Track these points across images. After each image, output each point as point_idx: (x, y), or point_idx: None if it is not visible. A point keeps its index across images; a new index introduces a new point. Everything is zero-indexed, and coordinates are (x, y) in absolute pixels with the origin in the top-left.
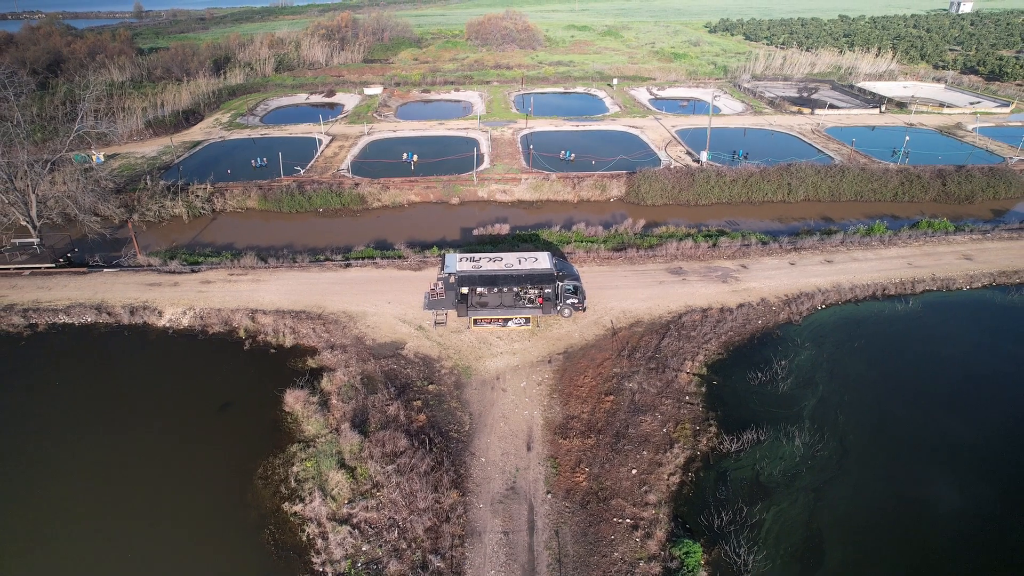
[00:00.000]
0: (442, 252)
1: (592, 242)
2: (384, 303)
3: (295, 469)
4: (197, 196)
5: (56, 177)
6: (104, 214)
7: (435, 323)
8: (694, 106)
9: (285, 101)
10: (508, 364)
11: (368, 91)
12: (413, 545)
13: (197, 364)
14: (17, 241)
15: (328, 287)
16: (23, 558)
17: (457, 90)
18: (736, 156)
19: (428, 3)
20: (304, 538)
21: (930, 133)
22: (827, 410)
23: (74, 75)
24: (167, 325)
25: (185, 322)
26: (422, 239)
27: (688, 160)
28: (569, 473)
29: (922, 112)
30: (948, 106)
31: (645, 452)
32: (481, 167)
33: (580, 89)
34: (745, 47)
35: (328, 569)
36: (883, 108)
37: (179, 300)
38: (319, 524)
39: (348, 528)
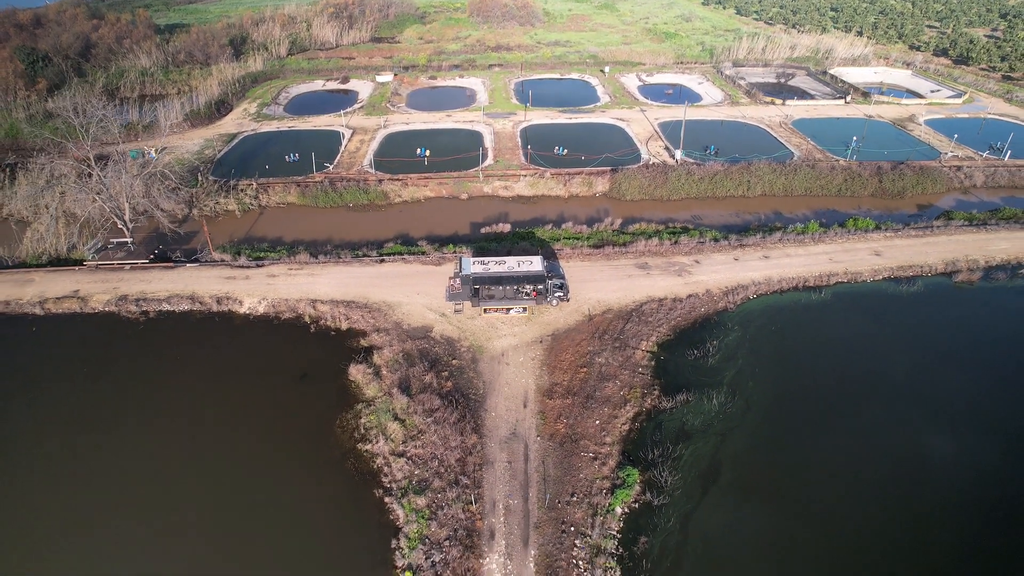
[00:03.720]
0: (458, 255)
1: (577, 239)
2: (414, 294)
3: (362, 421)
4: (245, 192)
5: (138, 184)
6: (172, 213)
7: (455, 311)
8: (679, 92)
9: (304, 88)
10: (510, 344)
11: (380, 79)
12: (448, 470)
13: (276, 344)
14: (115, 241)
15: (369, 280)
16: (183, 469)
17: (461, 76)
18: (707, 151)
19: None
20: (374, 467)
21: (885, 126)
22: (742, 379)
23: (104, 62)
24: (247, 312)
25: (261, 310)
26: (439, 233)
27: (666, 156)
28: (553, 423)
29: (882, 103)
30: (912, 94)
31: (606, 409)
32: (486, 163)
33: (575, 75)
34: (735, 23)
35: (393, 486)
36: (848, 99)
37: (253, 291)
38: (384, 457)
39: (404, 460)
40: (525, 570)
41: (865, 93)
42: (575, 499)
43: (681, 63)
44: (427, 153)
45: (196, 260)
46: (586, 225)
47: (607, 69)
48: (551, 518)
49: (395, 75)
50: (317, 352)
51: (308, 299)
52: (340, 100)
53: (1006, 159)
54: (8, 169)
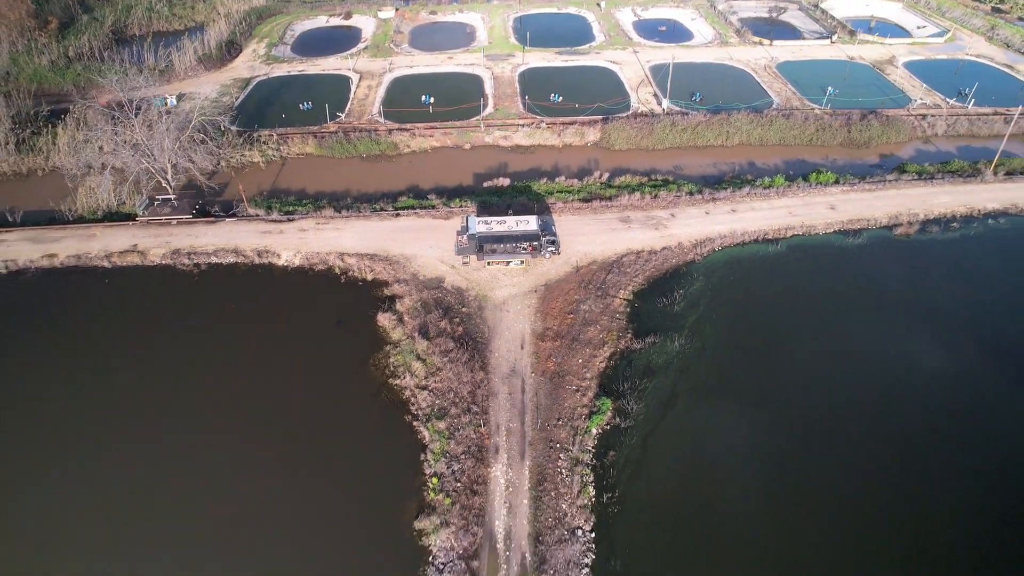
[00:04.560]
0: (465, 214)
1: (568, 192)
2: (427, 248)
3: (391, 360)
4: (267, 144)
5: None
6: (204, 168)
7: (463, 263)
8: (672, 28)
9: (308, 25)
10: (510, 293)
11: (382, 14)
12: (461, 400)
13: (313, 293)
14: (160, 197)
15: (387, 234)
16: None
17: (461, 11)
18: (692, 99)
19: None
20: (404, 397)
21: (865, 69)
22: (701, 323)
23: None
24: (285, 264)
25: (297, 262)
26: (445, 184)
27: (653, 103)
28: (544, 362)
29: (866, 42)
30: (899, 29)
31: (588, 349)
32: (486, 111)
33: (572, 10)
34: None
35: (419, 413)
36: (834, 38)
37: (288, 245)
38: (411, 390)
39: (427, 392)
40: (522, 476)
41: (852, 31)
42: (560, 423)
43: None
44: (431, 100)
45: (234, 215)
46: (577, 178)
47: (603, 3)
48: (542, 437)
49: (396, 10)
50: (348, 300)
51: (336, 252)
52: (344, 37)
53: (969, 107)
54: (46, 120)
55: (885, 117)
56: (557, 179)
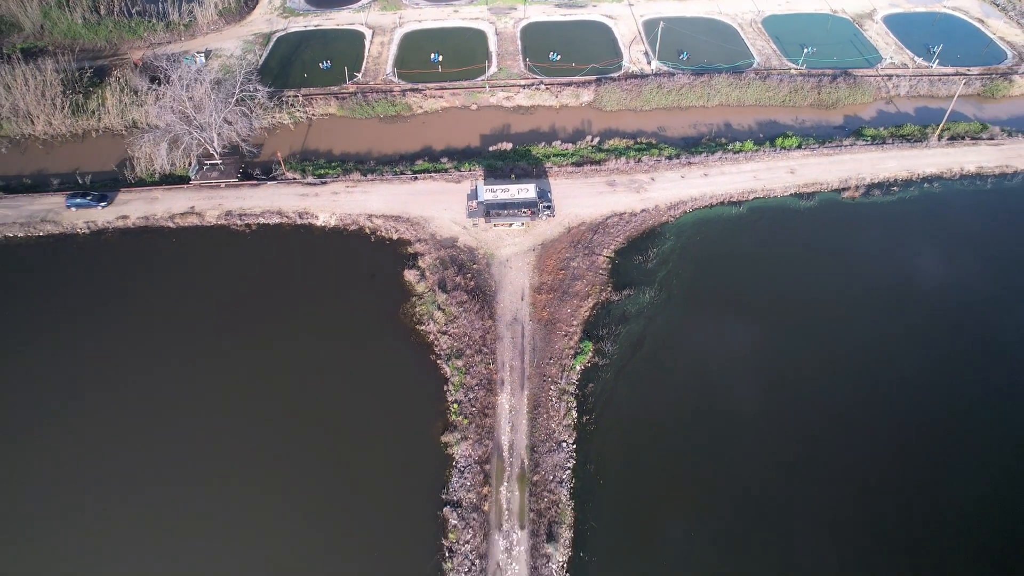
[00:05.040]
0: (474, 179)
1: (563, 156)
2: (442, 210)
3: (417, 310)
4: (294, 106)
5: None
6: (246, 136)
7: (473, 225)
8: None
9: None
10: (512, 252)
11: None
12: (474, 343)
13: (348, 250)
14: (208, 162)
15: (408, 197)
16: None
17: None
18: (680, 57)
19: None
20: (428, 341)
21: (845, 23)
22: (670, 277)
23: None
24: (323, 225)
25: (332, 223)
26: (455, 145)
27: (644, 63)
28: (540, 311)
29: None
30: None
31: (575, 301)
32: (491, 71)
33: None
34: None
35: (441, 353)
36: None
37: (324, 207)
38: (434, 335)
39: (446, 336)
40: (521, 403)
41: None
42: (551, 361)
43: None
44: (440, 59)
45: (274, 178)
46: (571, 142)
47: None
48: (537, 373)
49: None
50: (379, 257)
51: (366, 214)
52: None
53: (933, 66)
54: (90, 81)
55: (853, 79)
56: (554, 143)
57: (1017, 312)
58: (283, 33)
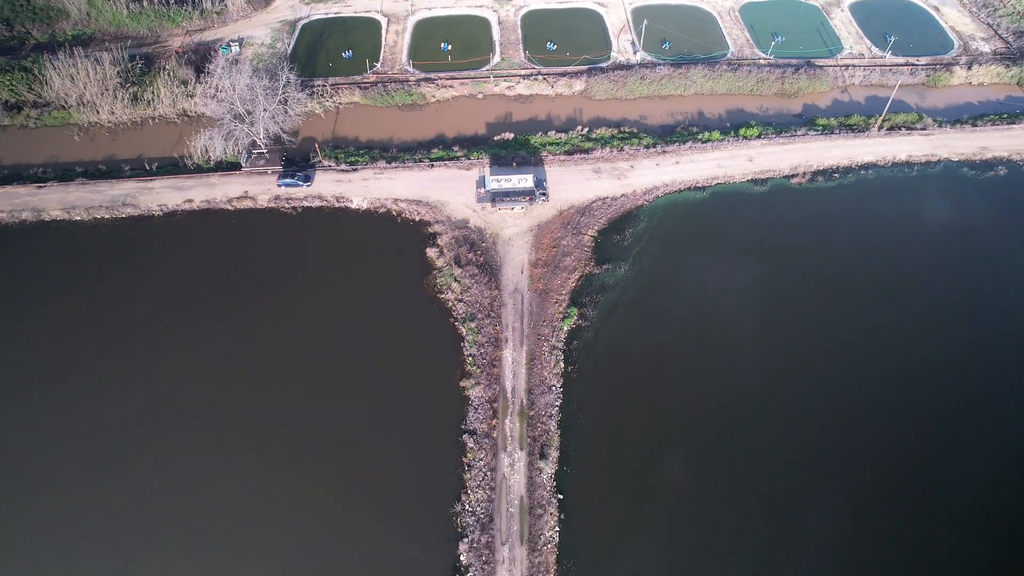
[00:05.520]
0: (481, 168)
1: (557, 144)
2: (455, 195)
3: (438, 281)
4: (323, 95)
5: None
6: (282, 124)
7: (481, 208)
8: None
9: None
10: (514, 232)
11: None
12: (483, 309)
13: (379, 230)
14: (255, 151)
15: (427, 184)
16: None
17: None
18: (662, 47)
19: None
20: (448, 306)
21: (815, 12)
22: (641, 254)
23: None
24: (357, 207)
25: (364, 206)
26: (465, 132)
27: (630, 52)
28: (536, 282)
29: None
30: None
31: (564, 274)
32: (494, 61)
33: None
34: None
35: (458, 316)
36: None
37: (356, 192)
38: (452, 302)
39: (462, 303)
40: (521, 357)
41: None
42: (544, 323)
43: None
44: (449, 48)
45: (312, 166)
46: (564, 131)
47: None
48: (533, 332)
49: None
50: (404, 236)
51: (392, 198)
52: None
53: (887, 56)
54: (141, 71)
55: (814, 69)
56: (549, 132)
57: (918, 280)
58: (306, 20)
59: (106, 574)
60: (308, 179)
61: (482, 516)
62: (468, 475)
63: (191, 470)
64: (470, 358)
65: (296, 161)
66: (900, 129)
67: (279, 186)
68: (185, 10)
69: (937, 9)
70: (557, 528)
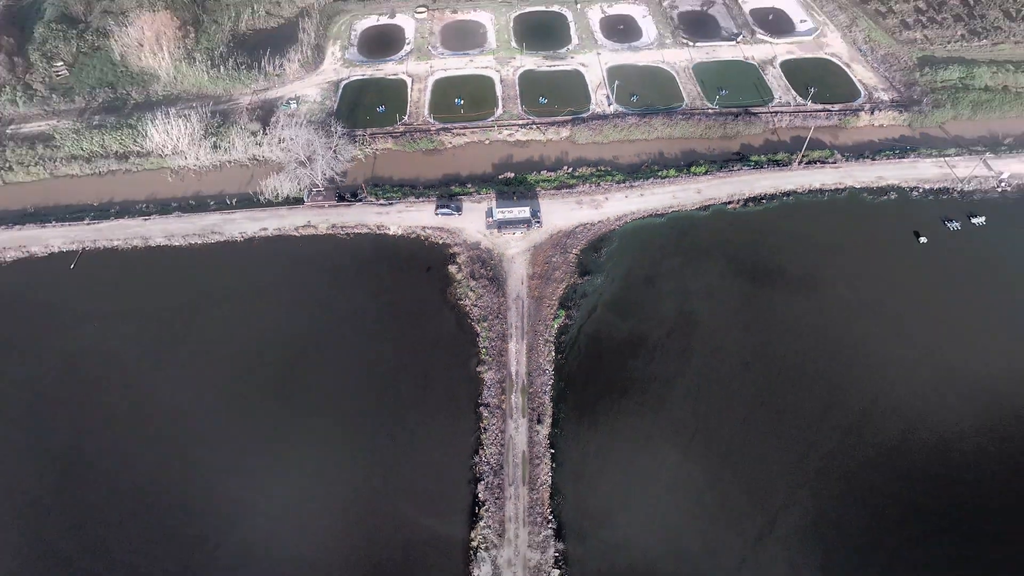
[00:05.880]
0: (489, 202)
1: (548, 181)
2: (469, 223)
3: (458, 291)
4: (363, 143)
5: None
6: (334, 167)
7: (490, 233)
8: (627, 26)
9: (364, 23)
10: (516, 251)
11: (417, 15)
12: (493, 312)
13: (411, 251)
14: (314, 188)
15: (445, 218)
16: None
17: (475, 10)
18: (631, 99)
19: None
20: (465, 310)
21: (752, 68)
22: (614, 267)
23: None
24: (393, 233)
25: (399, 232)
26: (476, 172)
27: (605, 105)
28: (533, 291)
29: (760, 42)
30: (788, 21)
31: (554, 284)
32: (498, 113)
33: (555, 8)
34: None
35: (474, 318)
36: (738, 40)
37: (393, 221)
38: (469, 307)
39: (477, 308)
40: (522, 348)
41: (754, 31)
42: (539, 322)
43: None
44: (462, 102)
45: (359, 200)
46: (553, 169)
47: (578, 5)
48: (531, 329)
49: (427, 10)
50: (431, 256)
51: (421, 226)
52: (393, 36)
53: (808, 104)
54: (218, 125)
55: (750, 116)
56: (542, 171)
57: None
58: (347, 81)
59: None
60: (459, 209)
61: (494, 465)
62: (484, 436)
63: (281, 414)
64: (484, 349)
65: (346, 196)
66: (816, 163)
67: (437, 215)
68: (252, 74)
69: (848, 65)
70: (550, 474)
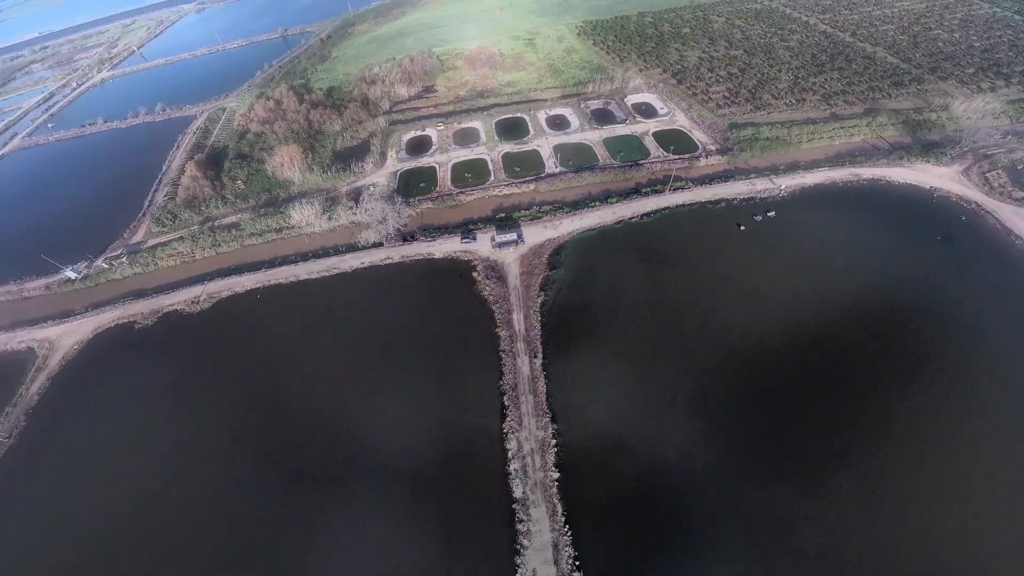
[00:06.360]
0: (492, 232)
1: (525, 216)
2: (482, 246)
3: (479, 285)
4: (414, 206)
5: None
6: (398, 223)
7: (494, 250)
8: (562, 120)
9: (408, 136)
10: (511, 260)
11: (438, 128)
12: (501, 296)
13: (449, 266)
14: (389, 235)
15: (467, 243)
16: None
17: (472, 121)
18: (568, 163)
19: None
20: (484, 296)
21: (636, 138)
22: (568, 263)
23: (323, 131)
24: (438, 257)
25: (441, 256)
26: (482, 216)
27: (554, 168)
28: (523, 281)
29: (639, 123)
30: (652, 109)
31: (536, 276)
32: (491, 179)
33: (520, 114)
34: (591, 55)
35: (490, 302)
36: (627, 122)
37: (437, 249)
38: (486, 294)
39: (491, 295)
40: (521, 316)
41: (635, 116)
42: (529, 300)
43: (564, 99)
44: (470, 176)
45: (415, 239)
46: (527, 210)
47: (531, 112)
48: (525, 304)
49: (444, 124)
50: (461, 268)
51: (453, 251)
52: (425, 142)
53: (671, 156)
54: (329, 204)
55: (639, 166)
56: (522, 211)
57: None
58: (402, 170)
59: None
60: (475, 238)
61: (511, 384)
62: (504, 368)
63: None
64: (498, 318)
65: (407, 238)
66: (678, 189)
67: (462, 243)
68: (346, 173)
69: (690, 131)
70: (545, 385)
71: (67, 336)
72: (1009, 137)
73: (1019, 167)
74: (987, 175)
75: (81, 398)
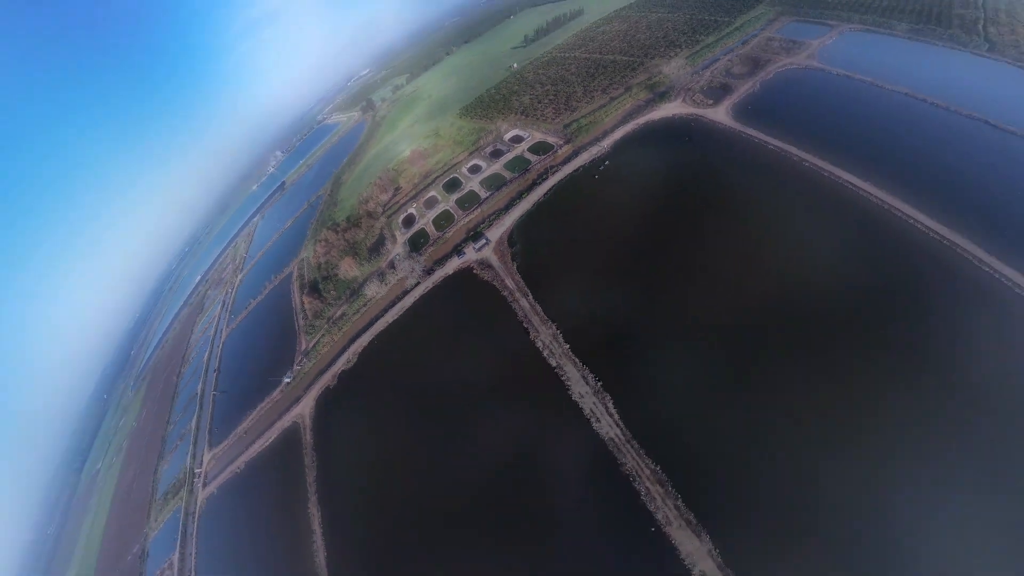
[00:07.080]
0: (472, 245)
1: (485, 226)
2: (470, 255)
3: (478, 272)
4: (424, 254)
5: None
6: (420, 269)
7: (476, 253)
8: (476, 167)
9: (400, 218)
10: (488, 253)
11: (413, 207)
12: (504, 279)
13: (461, 276)
14: (418, 276)
15: (462, 257)
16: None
17: (428, 191)
18: (491, 187)
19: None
20: (485, 278)
21: (520, 157)
22: (519, 243)
23: (357, 241)
24: (451, 272)
25: (451, 271)
26: (460, 239)
27: (484, 193)
28: (500, 260)
29: (515, 149)
30: (524, 140)
31: (506, 256)
32: (456, 219)
33: (453, 175)
34: (478, 124)
35: (487, 276)
36: (510, 150)
37: (447, 270)
38: (483, 276)
39: (486, 273)
40: (510, 279)
41: (513, 145)
42: (508, 268)
43: (471, 154)
44: (444, 223)
45: (432, 271)
46: (483, 223)
47: (459, 170)
48: (509, 272)
49: (415, 202)
50: (466, 272)
51: (455, 267)
52: (412, 218)
53: (542, 156)
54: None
55: (528, 171)
56: (482, 225)
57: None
58: (406, 238)
59: None
60: (487, 239)
61: (523, 316)
62: (513, 308)
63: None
64: (496, 286)
65: (428, 272)
66: (555, 174)
67: (476, 250)
68: (379, 257)
69: (546, 138)
70: (539, 305)
71: (305, 407)
72: (694, 75)
73: (703, 90)
74: (693, 99)
75: (341, 427)
